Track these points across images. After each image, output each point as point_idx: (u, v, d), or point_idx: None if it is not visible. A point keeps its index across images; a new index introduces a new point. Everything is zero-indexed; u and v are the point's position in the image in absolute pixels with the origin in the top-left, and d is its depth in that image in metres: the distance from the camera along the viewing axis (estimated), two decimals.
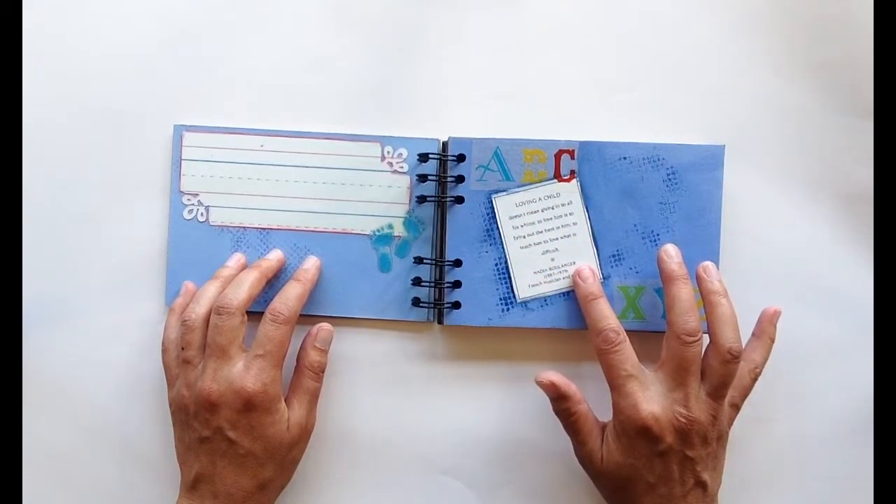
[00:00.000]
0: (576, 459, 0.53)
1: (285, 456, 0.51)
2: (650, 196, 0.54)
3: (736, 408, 0.51)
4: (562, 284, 0.55)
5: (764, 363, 0.52)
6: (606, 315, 0.51)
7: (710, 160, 0.54)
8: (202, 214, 0.56)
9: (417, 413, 0.56)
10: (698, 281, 0.51)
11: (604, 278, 0.55)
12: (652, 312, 0.54)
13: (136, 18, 0.57)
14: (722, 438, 0.51)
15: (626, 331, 0.52)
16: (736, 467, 0.56)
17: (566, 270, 0.55)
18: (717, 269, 0.52)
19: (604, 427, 0.51)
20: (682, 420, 0.48)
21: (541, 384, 0.51)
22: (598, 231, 0.55)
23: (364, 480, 0.56)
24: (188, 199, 0.56)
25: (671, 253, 0.52)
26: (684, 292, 0.50)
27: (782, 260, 0.56)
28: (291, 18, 0.57)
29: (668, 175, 0.54)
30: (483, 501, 0.56)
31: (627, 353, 0.50)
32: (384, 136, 0.56)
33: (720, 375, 0.49)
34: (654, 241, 0.54)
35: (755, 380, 0.51)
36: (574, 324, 0.55)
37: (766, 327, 0.53)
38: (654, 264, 0.53)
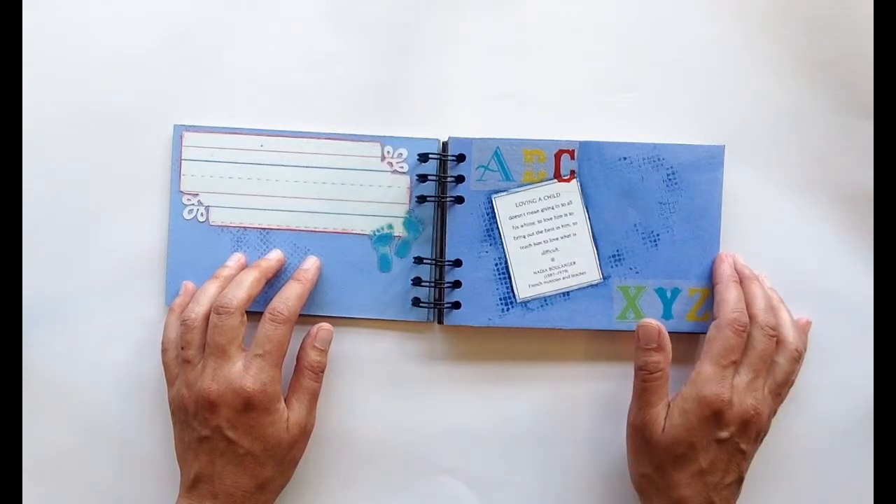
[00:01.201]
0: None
1: (285, 456, 0.51)
2: (650, 196, 0.54)
3: (774, 414, 0.52)
4: (562, 284, 0.55)
5: (797, 373, 0.53)
6: (741, 300, 0.52)
7: (709, 160, 0.54)
8: (202, 214, 0.56)
9: (417, 413, 0.56)
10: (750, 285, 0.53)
11: (604, 278, 0.55)
12: (652, 312, 0.54)
13: (136, 18, 0.57)
14: (763, 437, 0.52)
15: (626, 331, 0.52)
16: None
17: (566, 270, 0.55)
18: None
19: (669, 402, 0.51)
20: (752, 412, 0.49)
21: (647, 326, 0.51)
22: (598, 231, 0.55)
23: (364, 480, 0.56)
24: (188, 199, 0.56)
25: (732, 259, 0.54)
26: (760, 290, 0.52)
27: (782, 260, 0.56)
28: (291, 18, 0.57)
29: (668, 175, 0.54)
30: (483, 501, 0.56)
31: (739, 346, 0.50)
32: (384, 136, 0.56)
33: (785, 373, 0.51)
34: (654, 241, 0.54)
35: (790, 388, 0.53)
36: (574, 324, 0.55)
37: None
38: (654, 264, 0.53)
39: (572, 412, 0.56)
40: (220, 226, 0.56)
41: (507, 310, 0.55)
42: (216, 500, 0.49)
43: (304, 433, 0.52)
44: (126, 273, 0.57)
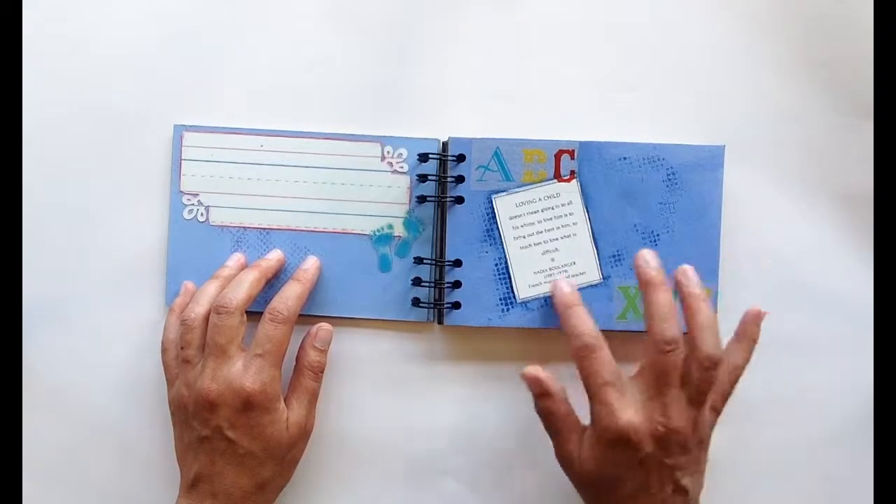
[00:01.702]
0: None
1: (284, 456, 0.51)
2: (650, 196, 0.54)
3: (716, 411, 0.50)
4: None
5: (745, 366, 0.50)
6: (586, 321, 0.50)
7: (709, 160, 0.54)
8: (202, 214, 0.56)
9: (417, 413, 0.56)
10: (677, 286, 0.49)
11: (603, 278, 0.55)
12: None
13: (136, 18, 0.57)
14: (703, 443, 0.49)
15: (626, 331, 0.52)
16: (736, 468, 0.56)
17: (566, 271, 0.55)
18: (695, 271, 0.50)
19: (584, 431, 0.50)
20: (661, 429, 0.47)
21: (526, 377, 0.50)
22: (598, 231, 0.55)
23: (364, 480, 0.56)
24: (188, 199, 0.56)
25: (648, 259, 0.50)
26: (663, 298, 0.48)
27: (782, 260, 0.56)
28: (291, 18, 0.57)
29: (667, 175, 0.54)
30: (483, 502, 0.56)
31: (605, 361, 0.48)
32: (384, 136, 0.56)
33: (700, 382, 0.47)
34: (654, 241, 0.54)
35: (734, 383, 0.50)
36: None
37: (748, 329, 0.51)
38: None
39: None
40: (220, 226, 0.56)
41: (508, 310, 0.55)
42: (216, 500, 0.49)
43: (304, 433, 0.52)
44: (126, 273, 0.57)
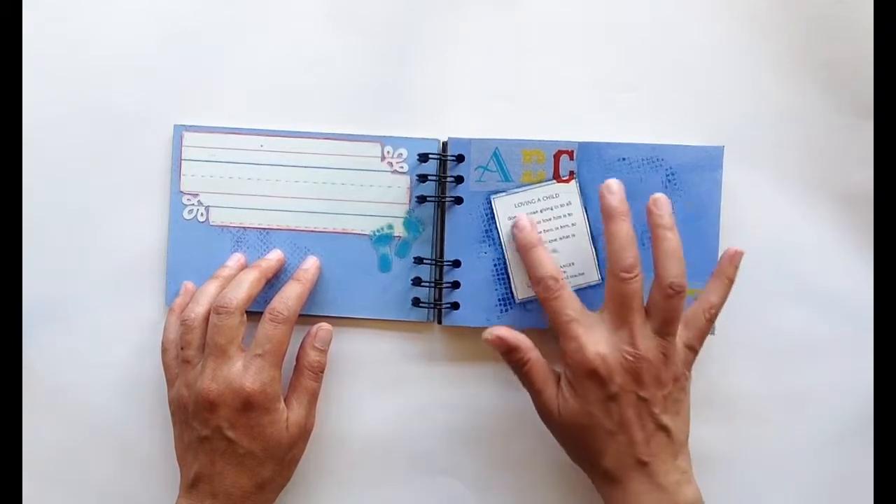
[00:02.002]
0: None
1: (284, 455, 0.51)
2: (649, 197, 0.54)
3: (693, 350, 0.50)
4: None
5: (721, 304, 0.50)
6: (545, 262, 0.51)
7: (709, 161, 0.54)
8: (202, 214, 0.56)
9: (417, 413, 0.56)
10: (648, 214, 0.50)
11: (602, 279, 0.55)
12: None
13: (136, 18, 0.57)
14: (679, 381, 0.49)
15: None
16: (737, 467, 0.56)
17: (565, 271, 0.55)
18: (669, 202, 0.50)
19: (559, 379, 0.50)
20: (630, 358, 0.47)
21: (488, 341, 0.50)
22: (598, 232, 0.55)
23: (364, 480, 0.56)
24: (188, 199, 0.56)
25: (613, 188, 0.50)
26: (623, 229, 0.49)
27: (782, 260, 0.56)
28: (291, 18, 0.57)
29: (667, 176, 0.54)
30: (483, 501, 0.56)
31: (568, 298, 0.49)
32: (384, 136, 0.56)
33: (664, 310, 0.48)
34: None
35: (711, 321, 0.50)
36: None
37: (725, 268, 0.51)
38: (652, 264, 0.53)
39: None
40: (220, 226, 0.56)
41: (506, 310, 0.55)
42: (216, 500, 0.49)
43: (304, 433, 0.52)
44: (126, 273, 0.57)
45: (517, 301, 0.55)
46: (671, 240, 0.49)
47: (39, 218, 0.57)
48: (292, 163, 0.56)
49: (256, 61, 0.57)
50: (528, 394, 0.51)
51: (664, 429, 0.48)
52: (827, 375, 0.56)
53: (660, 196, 0.50)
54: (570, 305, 0.49)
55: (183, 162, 0.56)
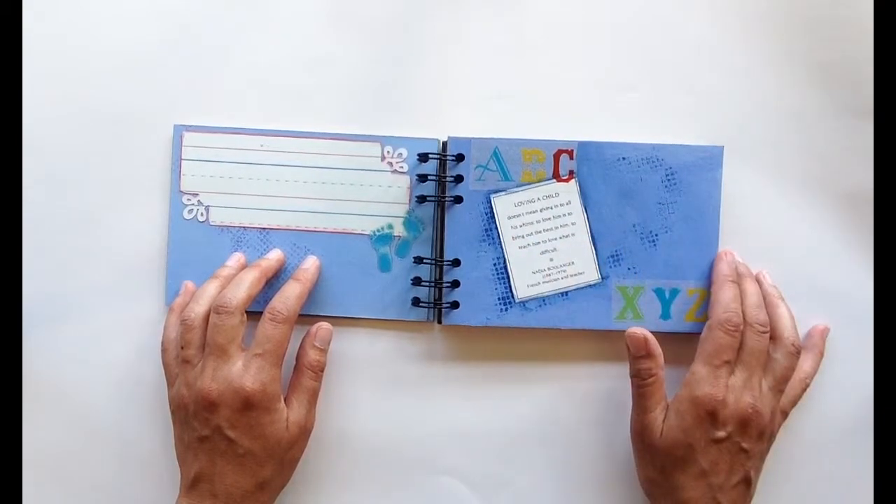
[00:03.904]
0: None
1: (284, 455, 0.51)
2: (649, 196, 0.54)
3: (784, 414, 0.52)
4: (560, 284, 0.55)
5: (813, 375, 0.54)
6: (737, 301, 0.52)
7: (708, 161, 0.54)
8: (202, 214, 0.56)
9: (417, 413, 0.56)
10: (759, 283, 0.54)
11: (602, 278, 0.55)
12: (650, 312, 0.54)
13: (136, 18, 0.57)
14: (772, 438, 0.51)
15: (625, 331, 0.52)
16: None
17: (564, 270, 0.55)
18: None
19: (667, 406, 0.51)
20: (750, 410, 0.49)
21: (633, 336, 0.51)
22: (597, 231, 0.55)
23: (364, 480, 0.56)
24: (188, 199, 0.56)
25: (735, 256, 0.54)
26: (753, 287, 0.53)
27: (782, 260, 0.56)
28: (292, 18, 0.57)
29: (666, 175, 0.54)
30: (483, 501, 0.56)
31: (737, 343, 0.51)
32: (384, 136, 0.56)
33: (784, 368, 0.51)
34: (653, 241, 0.54)
35: (804, 390, 0.53)
36: (572, 324, 0.55)
37: (816, 341, 0.55)
38: (652, 264, 0.53)
39: (571, 412, 0.56)
40: (220, 226, 0.56)
41: (506, 310, 0.55)
42: (216, 500, 0.49)
43: (304, 432, 0.52)
44: (126, 273, 0.57)
45: (517, 300, 0.55)
46: (785, 306, 0.54)
47: (39, 218, 0.57)
48: (292, 163, 0.56)
49: (256, 61, 0.57)
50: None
51: (748, 481, 0.50)
52: (827, 375, 0.56)
53: (765, 272, 0.55)
54: (734, 349, 0.51)
55: (183, 162, 0.56)
